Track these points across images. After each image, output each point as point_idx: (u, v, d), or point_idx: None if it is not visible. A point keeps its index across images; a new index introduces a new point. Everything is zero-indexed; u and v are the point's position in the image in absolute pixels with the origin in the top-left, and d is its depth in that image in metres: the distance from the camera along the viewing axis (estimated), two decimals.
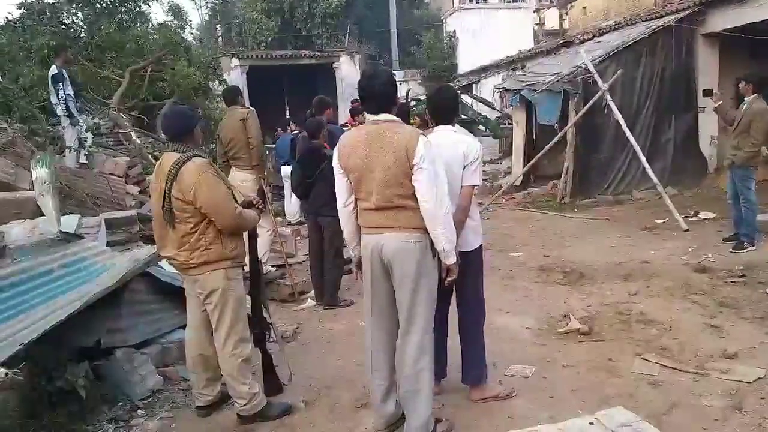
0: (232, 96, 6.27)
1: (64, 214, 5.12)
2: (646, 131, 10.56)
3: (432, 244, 2.98)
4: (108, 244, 5.05)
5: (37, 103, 8.64)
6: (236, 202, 3.33)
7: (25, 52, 10.73)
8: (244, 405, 3.37)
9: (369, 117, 3.03)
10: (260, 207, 3.61)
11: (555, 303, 5.27)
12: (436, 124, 3.45)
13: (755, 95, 6.40)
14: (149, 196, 7.50)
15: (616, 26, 12.82)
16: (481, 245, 3.47)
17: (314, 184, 5.42)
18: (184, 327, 4.14)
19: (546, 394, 3.58)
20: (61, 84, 7.24)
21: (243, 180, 5.90)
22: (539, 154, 10.83)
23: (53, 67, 7.39)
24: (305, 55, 21.49)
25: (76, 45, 11.84)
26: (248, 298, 3.62)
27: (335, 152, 3.11)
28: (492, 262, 6.28)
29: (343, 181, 3.10)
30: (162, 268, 4.57)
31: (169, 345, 4.15)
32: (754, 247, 6.51)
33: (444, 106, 3.46)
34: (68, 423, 3.29)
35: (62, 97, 7.23)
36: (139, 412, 3.59)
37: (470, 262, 3.35)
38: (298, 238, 8.29)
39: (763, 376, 3.59)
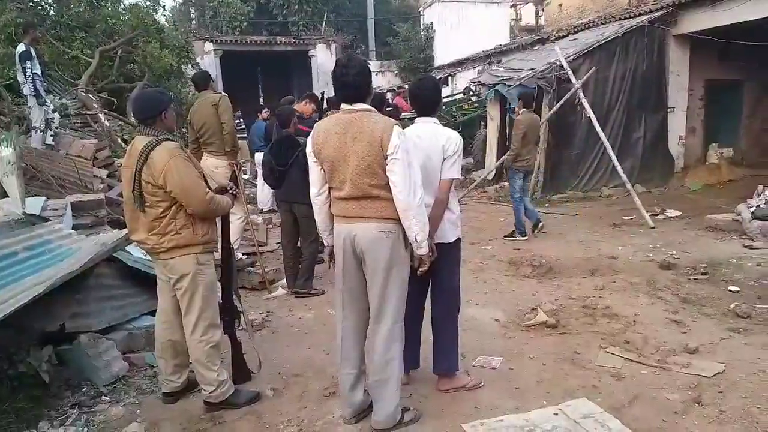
0: (202, 81, 6.14)
1: (29, 196, 5.01)
2: (617, 129, 10.76)
3: (405, 234, 2.99)
4: (74, 227, 4.94)
5: (3, 81, 8.38)
6: (208, 187, 3.28)
7: None
8: (212, 392, 3.34)
9: (344, 106, 3.01)
10: (234, 193, 3.57)
11: (524, 296, 5.34)
12: (418, 116, 3.45)
13: (524, 109, 7.52)
14: (118, 180, 7.42)
15: (591, 24, 12.98)
16: (459, 238, 3.48)
17: (287, 173, 5.38)
18: (151, 313, 4.10)
19: (512, 385, 3.63)
20: (28, 62, 7.02)
21: (216, 166, 5.83)
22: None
23: (21, 44, 7.16)
24: (281, 41, 21.23)
25: (45, 23, 11.50)
26: (219, 284, 3.58)
27: (309, 141, 3.09)
28: (463, 255, 6.31)
29: (316, 169, 3.09)
30: (130, 253, 4.50)
31: (136, 331, 4.09)
32: (525, 237, 7.52)
33: (425, 98, 3.44)
34: (30, 408, 3.23)
35: (29, 75, 7.01)
36: (104, 398, 3.53)
37: (447, 254, 3.36)
38: (270, 226, 8.24)
39: (722, 371, 3.69)
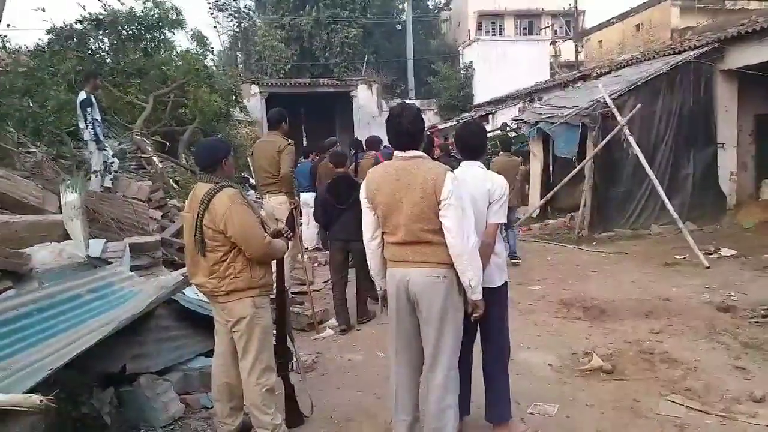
0: (276, 118, 6.31)
1: (90, 239, 5.18)
2: (665, 166, 10.55)
3: (458, 279, 2.99)
4: (131, 268, 5.09)
5: (65, 128, 8.81)
6: (265, 231, 3.37)
7: (52, 77, 10.97)
8: None
9: (397, 153, 3.08)
10: (289, 237, 3.65)
11: (576, 339, 5.21)
12: (464, 160, 3.49)
13: (502, 152, 8.53)
14: (171, 221, 7.63)
15: (634, 61, 12.91)
16: (506, 282, 3.47)
17: (344, 212, 5.53)
18: (205, 354, 4.17)
19: None
20: (89, 109, 7.36)
21: (280, 203, 6.11)
22: (557, 187, 10.85)
23: (82, 92, 7.53)
24: (323, 83, 21.80)
25: (102, 70, 12.09)
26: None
27: (363, 186, 3.16)
28: (511, 295, 6.24)
29: (370, 215, 3.15)
30: (184, 293, 4.60)
31: (191, 372, 4.15)
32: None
33: (471, 142, 3.50)
34: None
35: (90, 122, 7.35)
36: None
37: (495, 298, 3.35)
38: (316, 264, 8.31)
39: None
